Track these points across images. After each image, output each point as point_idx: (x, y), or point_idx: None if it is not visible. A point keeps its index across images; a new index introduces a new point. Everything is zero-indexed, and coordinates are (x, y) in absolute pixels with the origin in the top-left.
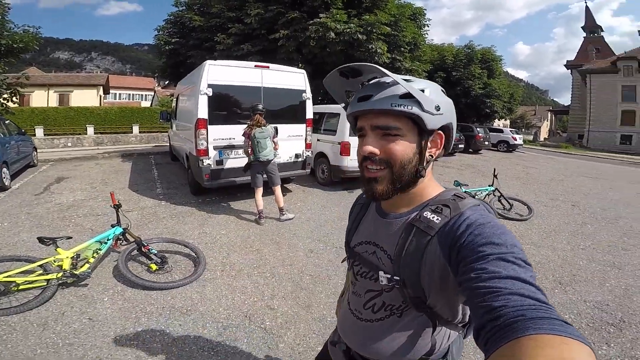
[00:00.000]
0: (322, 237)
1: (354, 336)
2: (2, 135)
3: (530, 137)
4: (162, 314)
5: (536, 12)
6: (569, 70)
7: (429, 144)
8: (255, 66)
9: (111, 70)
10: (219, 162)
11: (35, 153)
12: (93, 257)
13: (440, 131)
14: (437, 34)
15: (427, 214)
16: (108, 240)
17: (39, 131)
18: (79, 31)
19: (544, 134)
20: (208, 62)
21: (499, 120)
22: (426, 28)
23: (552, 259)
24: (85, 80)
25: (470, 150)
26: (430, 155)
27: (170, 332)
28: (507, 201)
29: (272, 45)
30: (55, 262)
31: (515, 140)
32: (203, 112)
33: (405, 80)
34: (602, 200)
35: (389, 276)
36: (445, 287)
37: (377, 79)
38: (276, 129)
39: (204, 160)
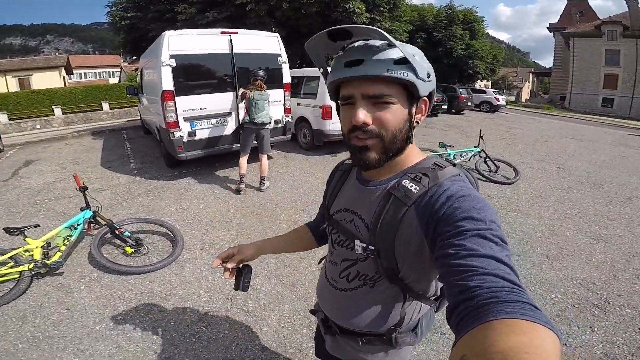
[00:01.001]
0: (305, 206)
1: (330, 305)
2: None
3: (512, 98)
4: (140, 300)
5: None
6: (552, 33)
7: (415, 110)
8: (222, 32)
9: (72, 51)
10: (192, 133)
11: (0, 139)
12: (64, 244)
13: (425, 97)
14: None
15: (406, 183)
16: (78, 225)
17: (3, 117)
18: (27, 16)
19: (525, 95)
20: (167, 32)
21: (480, 81)
22: None
23: (540, 229)
24: (44, 63)
25: (453, 110)
26: (416, 121)
27: (150, 318)
28: (494, 163)
29: (241, 11)
30: (25, 252)
31: (498, 101)
32: (168, 84)
33: (388, 44)
34: (586, 163)
35: (364, 245)
36: (421, 260)
37: (365, 42)
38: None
39: (174, 133)
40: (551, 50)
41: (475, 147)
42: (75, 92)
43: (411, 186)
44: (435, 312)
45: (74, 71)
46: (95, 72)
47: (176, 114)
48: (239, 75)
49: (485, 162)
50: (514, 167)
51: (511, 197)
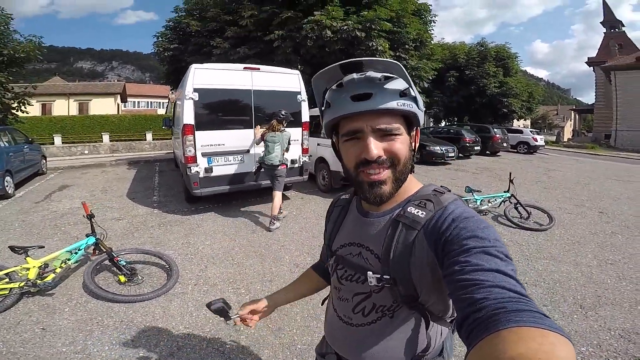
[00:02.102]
0: (311, 250)
1: (346, 343)
2: (7, 144)
3: (553, 138)
4: (117, 328)
5: (553, 8)
6: (591, 68)
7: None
8: (245, 68)
9: (132, 79)
10: (208, 169)
11: (45, 161)
12: (61, 267)
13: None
14: (450, 34)
15: (412, 209)
16: (79, 250)
17: (57, 139)
18: (100, 41)
19: (567, 134)
20: (194, 65)
21: (518, 120)
22: (432, 24)
23: (575, 276)
24: (103, 89)
25: (487, 152)
26: (413, 150)
27: (119, 347)
28: (525, 209)
29: (269, 47)
30: (22, 271)
31: (537, 141)
32: (189, 118)
33: (387, 76)
34: (635, 206)
35: (378, 276)
36: (438, 282)
37: (365, 75)
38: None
39: (192, 168)
40: (592, 85)
41: (505, 192)
42: (124, 121)
43: (418, 212)
44: (453, 333)
45: (128, 99)
46: (147, 102)
47: (195, 149)
48: (257, 112)
49: (516, 208)
50: (548, 213)
51: (543, 244)
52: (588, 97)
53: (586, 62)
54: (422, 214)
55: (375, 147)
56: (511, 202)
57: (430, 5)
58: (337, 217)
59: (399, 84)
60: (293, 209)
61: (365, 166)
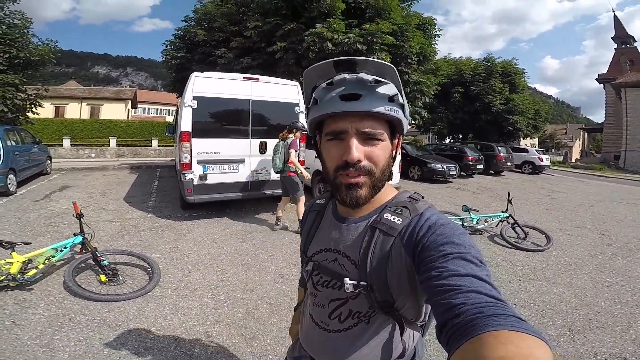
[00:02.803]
0: (298, 262)
1: (322, 349)
2: (14, 144)
3: (560, 158)
4: (87, 326)
5: (563, 24)
6: (602, 85)
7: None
8: (244, 78)
9: (144, 86)
10: (203, 177)
11: (49, 162)
12: (44, 263)
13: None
14: (460, 49)
15: (388, 216)
16: (64, 248)
17: (66, 141)
18: (116, 47)
19: (575, 154)
20: (194, 74)
21: (524, 139)
22: (437, 39)
23: (567, 298)
24: (115, 94)
25: (490, 171)
26: (393, 157)
27: (86, 343)
28: (522, 229)
29: (272, 59)
30: (5, 265)
31: (542, 161)
32: (187, 125)
33: (378, 80)
34: (639, 229)
35: (355, 282)
36: (414, 288)
37: (357, 76)
38: (262, 144)
39: (186, 175)
40: (603, 103)
41: (503, 212)
42: (132, 126)
43: (394, 219)
44: (422, 336)
45: (138, 105)
46: (157, 109)
47: (190, 156)
48: (254, 122)
49: (513, 229)
50: (547, 234)
51: (538, 265)
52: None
53: (596, 79)
54: (399, 220)
55: (357, 150)
56: (508, 222)
57: (436, 19)
58: (312, 222)
59: (389, 89)
60: (286, 220)
61: (345, 170)
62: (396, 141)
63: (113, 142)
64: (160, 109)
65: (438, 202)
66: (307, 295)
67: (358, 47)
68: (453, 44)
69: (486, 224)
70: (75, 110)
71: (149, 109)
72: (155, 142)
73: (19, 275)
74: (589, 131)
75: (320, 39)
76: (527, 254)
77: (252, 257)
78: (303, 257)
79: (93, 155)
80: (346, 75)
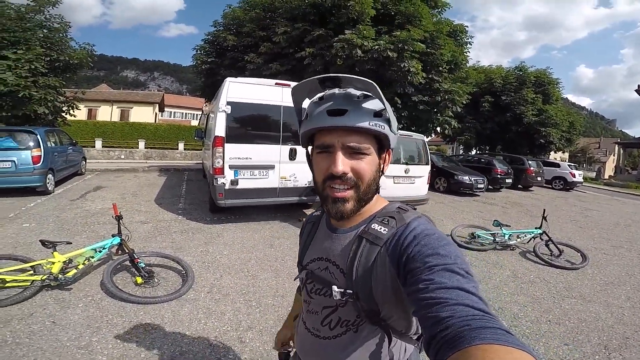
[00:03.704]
0: None
1: (315, 355)
2: (53, 145)
3: (592, 174)
4: (124, 328)
5: (599, 31)
6: None
7: (382, 160)
8: (276, 84)
9: (170, 90)
10: (234, 182)
11: (84, 162)
12: (84, 263)
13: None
14: (487, 57)
15: (375, 226)
16: (103, 249)
17: (98, 143)
18: (144, 51)
19: (609, 170)
20: (229, 79)
21: (555, 152)
22: (468, 46)
23: (603, 317)
24: (143, 98)
25: (519, 186)
26: (382, 171)
27: (123, 346)
28: (557, 246)
29: (300, 65)
30: (47, 264)
31: (574, 177)
32: (220, 130)
33: (365, 94)
34: None
35: (342, 290)
36: (398, 298)
37: (344, 91)
38: (292, 150)
39: (218, 179)
40: None
41: (536, 228)
42: (160, 129)
43: (380, 229)
44: (420, 353)
45: (165, 109)
46: (182, 113)
47: (223, 161)
48: (285, 128)
49: (547, 246)
50: (582, 252)
51: (573, 282)
52: (636, 129)
53: (636, 90)
54: (385, 230)
55: (342, 164)
56: (542, 239)
57: (467, 26)
58: (308, 232)
59: (375, 104)
60: None
61: (332, 181)
62: (385, 155)
63: (142, 144)
64: (186, 113)
65: (465, 215)
66: (302, 303)
67: (389, 54)
68: (480, 51)
69: (518, 239)
70: (107, 113)
71: (175, 112)
72: (181, 146)
73: (60, 275)
74: (625, 146)
75: (350, 45)
76: (562, 272)
77: (280, 264)
78: (299, 266)
79: (123, 156)
80: (336, 91)
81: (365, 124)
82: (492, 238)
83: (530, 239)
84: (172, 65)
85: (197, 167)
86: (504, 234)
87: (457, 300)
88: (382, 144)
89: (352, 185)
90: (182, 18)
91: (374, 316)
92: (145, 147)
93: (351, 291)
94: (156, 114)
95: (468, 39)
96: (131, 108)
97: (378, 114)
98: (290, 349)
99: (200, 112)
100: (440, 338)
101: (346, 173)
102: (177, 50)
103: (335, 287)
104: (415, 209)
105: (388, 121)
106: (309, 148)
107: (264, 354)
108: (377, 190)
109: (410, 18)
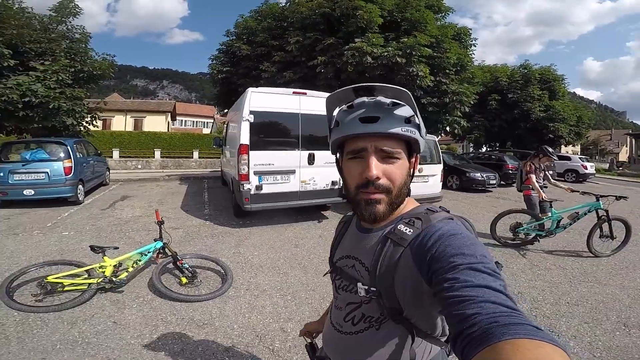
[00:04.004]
0: None
1: (336, 350)
2: (81, 155)
3: (606, 166)
4: (179, 324)
5: (605, 25)
6: None
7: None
8: (294, 93)
9: (179, 98)
10: (259, 187)
11: (108, 173)
12: (132, 266)
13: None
14: (493, 54)
15: (401, 227)
16: (148, 252)
17: (116, 153)
18: (151, 60)
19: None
20: (250, 89)
21: (566, 146)
22: (473, 48)
23: (620, 298)
24: (156, 107)
25: None
26: (412, 175)
27: (181, 341)
28: (610, 227)
29: (312, 72)
30: (99, 268)
31: (586, 169)
32: (245, 138)
33: (395, 102)
34: None
35: (366, 287)
36: (419, 299)
37: (375, 99)
38: (311, 155)
39: (244, 185)
40: None
41: (597, 199)
42: (174, 138)
43: (406, 229)
44: (448, 356)
45: (177, 117)
46: (193, 121)
47: (248, 168)
48: (303, 134)
49: (603, 226)
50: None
51: (588, 268)
52: None
53: None
54: (410, 231)
55: (376, 168)
56: (600, 218)
57: (470, 29)
58: (339, 231)
59: (405, 111)
60: (331, 227)
61: (365, 188)
62: (413, 160)
63: (157, 153)
64: (196, 122)
65: (480, 211)
66: (333, 299)
67: (397, 60)
68: (486, 48)
69: (570, 221)
70: (121, 123)
71: (186, 121)
72: (196, 154)
73: (113, 278)
74: (637, 137)
75: (360, 53)
76: (577, 258)
77: (307, 261)
78: (330, 262)
79: (140, 166)
80: (365, 99)
81: (397, 130)
82: (537, 227)
83: (584, 214)
84: (180, 73)
85: (214, 175)
86: (553, 215)
87: (483, 298)
88: (411, 148)
89: (384, 190)
90: (187, 24)
91: (397, 314)
92: (161, 157)
93: (375, 289)
94: (168, 122)
95: (472, 40)
96: (144, 117)
97: (408, 120)
98: (313, 341)
99: (212, 120)
100: (467, 335)
101: (379, 178)
102: (183, 58)
103: (360, 284)
104: (448, 211)
105: (418, 127)
106: (338, 155)
107: (304, 340)
108: (408, 194)
109: (415, 24)
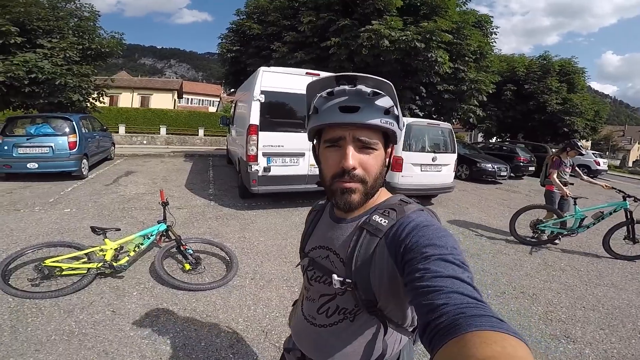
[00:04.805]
0: None
1: (308, 342)
2: (87, 131)
3: (617, 162)
4: (181, 316)
5: (630, 19)
6: None
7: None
8: (307, 73)
9: (186, 77)
10: (267, 169)
11: (113, 148)
12: (134, 250)
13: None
14: (507, 43)
15: (376, 217)
16: (151, 235)
17: (122, 129)
18: (160, 39)
19: (633, 158)
20: (262, 68)
21: (579, 141)
22: (494, 36)
23: (636, 304)
24: (163, 85)
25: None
26: (387, 166)
27: (183, 335)
28: (633, 230)
29: (325, 53)
30: (100, 252)
31: (599, 165)
32: (255, 118)
33: (375, 92)
34: None
35: (341, 279)
36: (396, 289)
37: (356, 87)
38: None
39: (252, 166)
40: None
41: (624, 198)
42: (181, 116)
43: (381, 220)
44: (414, 344)
45: (183, 95)
46: (199, 99)
47: (257, 149)
48: None
49: (630, 229)
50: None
51: (604, 270)
52: None
53: None
54: (385, 222)
55: (353, 158)
56: (627, 217)
57: (492, 16)
58: (311, 221)
59: (385, 102)
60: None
61: (340, 177)
62: (389, 150)
63: (163, 130)
64: (202, 100)
65: (489, 203)
66: (302, 290)
67: (416, 45)
68: (501, 37)
69: (594, 220)
70: (127, 100)
71: (192, 99)
72: (201, 132)
73: (114, 263)
74: None
75: (377, 35)
76: (592, 260)
77: None
78: (301, 253)
79: (145, 142)
80: (346, 87)
81: (377, 121)
82: (559, 226)
83: (609, 213)
84: (188, 53)
85: (219, 152)
86: (577, 213)
87: (452, 289)
88: (388, 139)
89: (360, 180)
90: (196, 4)
91: (371, 306)
92: (167, 133)
93: (350, 280)
94: (175, 100)
95: (493, 29)
96: (151, 95)
97: (388, 111)
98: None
99: (218, 99)
100: (435, 325)
101: (355, 168)
102: (192, 38)
103: (335, 276)
104: (419, 202)
105: (397, 118)
106: (315, 142)
107: None
108: (383, 184)
109: (436, 9)
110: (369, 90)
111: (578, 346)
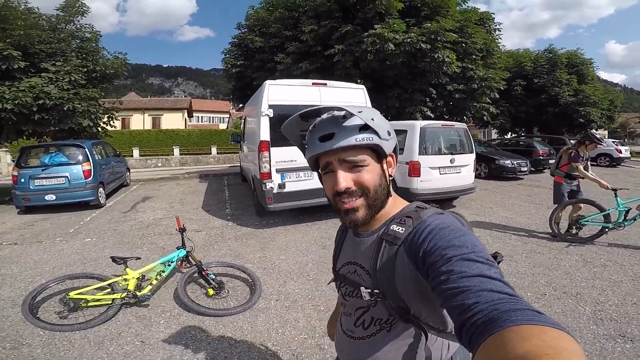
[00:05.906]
0: None
1: (350, 356)
2: (100, 157)
3: (638, 149)
4: (210, 343)
5: (627, 8)
6: None
7: (385, 165)
8: (313, 84)
9: (194, 95)
10: (282, 185)
11: (128, 173)
12: (156, 278)
13: (391, 153)
14: (509, 39)
15: (394, 227)
16: (172, 262)
17: (136, 152)
18: (165, 57)
19: None
20: (268, 82)
21: (596, 130)
22: (498, 32)
23: None
24: (172, 104)
25: None
26: (389, 175)
27: None
28: None
29: (329, 62)
30: (122, 282)
31: (620, 152)
32: (265, 134)
33: (347, 114)
34: None
35: (369, 290)
36: (425, 294)
37: (330, 114)
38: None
39: (267, 184)
40: None
41: None
42: (192, 135)
43: (398, 229)
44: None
45: (193, 114)
46: (209, 117)
47: (270, 165)
48: None
49: None
50: None
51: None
52: None
53: None
54: (402, 230)
55: (344, 180)
56: None
57: (493, 13)
58: (339, 239)
59: (357, 120)
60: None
61: (340, 196)
62: (389, 159)
63: (176, 151)
64: (212, 117)
65: (514, 201)
66: (338, 307)
67: (422, 46)
68: (503, 33)
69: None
70: (139, 121)
71: (202, 117)
72: (214, 150)
73: (137, 292)
74: None
75: (381, 39)
76: (633, 253)
77: None
78: (334, 272)
79: (160, 164)
80: (324, 116)
81: (351, 140)
82: (603, 220)
83: None
84: (195, 70)
85: (233, 170)
86: (620, 205)
87: (480, 287)
88: (378, 152)
89: (359, 195)
90: (197, 21)
91: (405, 314)
92: (180, 154)
93: (378, 291)
94: (185, 119)
95: (496, 25)
96: (162, 115)
97: (364, 127)
98: None
99: (228, 116)
100: (470, 325)
101: (349, 187)
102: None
103: (363, 288)
104: (437, 206)
105: (375, 131)
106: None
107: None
108: (388, 194)
109: (437, 9)
110: (342, 113)
111: (637, 345)
